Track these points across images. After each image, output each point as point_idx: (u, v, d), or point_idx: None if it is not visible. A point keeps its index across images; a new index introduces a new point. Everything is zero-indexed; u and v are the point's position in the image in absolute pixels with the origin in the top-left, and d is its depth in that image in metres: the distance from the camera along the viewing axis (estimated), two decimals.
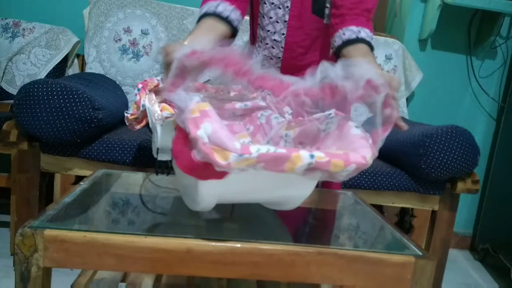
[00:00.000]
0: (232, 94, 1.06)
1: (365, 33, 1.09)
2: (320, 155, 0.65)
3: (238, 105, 1.06)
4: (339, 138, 0.79)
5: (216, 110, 0.69)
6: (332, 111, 0.85)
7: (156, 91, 0.98)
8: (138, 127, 1.01)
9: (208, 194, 0.72)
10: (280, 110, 1.04)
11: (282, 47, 1.26)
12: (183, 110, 0.66)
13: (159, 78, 1.00)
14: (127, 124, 1.01)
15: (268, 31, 1.25)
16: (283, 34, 1.24)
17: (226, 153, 0.60)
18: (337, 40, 1.11)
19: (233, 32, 1.06)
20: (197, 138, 0.62)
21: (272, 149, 0.62)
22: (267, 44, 1.27)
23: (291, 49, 1.26)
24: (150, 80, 1.00)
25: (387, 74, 0.84)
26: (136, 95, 0.98)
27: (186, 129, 0.64)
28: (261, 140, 1.00)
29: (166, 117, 0.87)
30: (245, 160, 0.61)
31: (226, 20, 1.03)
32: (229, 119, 1.08)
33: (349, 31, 1.09)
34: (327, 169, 0.65)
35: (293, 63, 1.28)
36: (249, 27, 1.43)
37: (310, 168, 0.65)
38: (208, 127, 0.62)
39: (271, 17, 1.23)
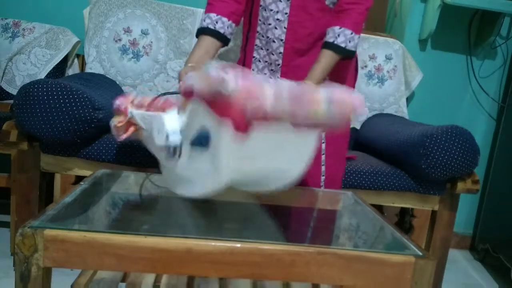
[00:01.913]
0: None
1: (343, 36, 1.22)
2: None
3: None
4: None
5: None
6: None
7: (140, 106, 1.00)
8: (124, 136, 1.02)
9: (228, 164, 0.76)
10: None
11: (285, 27, 1.27)
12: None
13: (134, 94, 1.05)
14: (113, 133, 1.02)
15: (271, 10, 1.27)
16: (286, 13, 1.26)
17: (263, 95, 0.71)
18: (325, 38, 1.25)
19: (226, 44, 1.28)
20: (226, 78, 0.71)
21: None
22: (269, 24, 1.29)
23: (293, 28, 1.27)
24: (125, 97, 1.02)
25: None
26: (116, 107, 1.00)
27: (216, 86, 0.71)
28: None
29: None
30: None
31: (223, 36, 1.25)
32: None
33: (332, 32, 1.23)
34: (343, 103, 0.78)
35: (296, 47, 1.29)
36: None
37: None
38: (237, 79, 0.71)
39: None
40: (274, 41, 1.30)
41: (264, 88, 0.72)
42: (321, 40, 1.27)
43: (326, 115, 0.77)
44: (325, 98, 0.76)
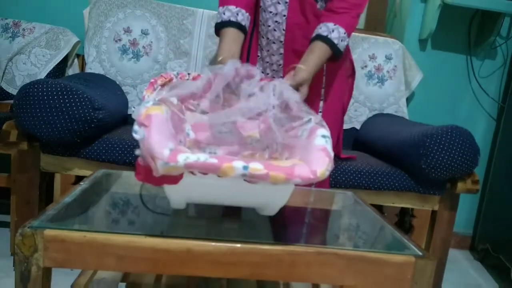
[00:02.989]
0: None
1: (337, 33, 1.18)
2: (256, 167, 0.63)
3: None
4: (305, 148, 0.77)
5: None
6: (311, 117, 0.84)
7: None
8: None
9: (175, 197, 0.76)
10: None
11: (283, 29, 1.28)
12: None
13: (175, 73, 1.00)
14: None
15: (270, 12, 1.27)
16: (284, 15, 1.26)
17: (155, 159, 0.62)
18: (315, 31, 1.21)
19: (245, 37, 1.24)
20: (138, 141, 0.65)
21: (202, 158, 0.62)
22: (269, 26, 1.29)
23: (291, 31, 1.28)
24: (165, 75, 0.98)
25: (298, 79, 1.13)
26: (145, 90, 0.97)
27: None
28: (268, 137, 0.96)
29: None
30: (172, 168, 0.62)
31: (244, 28, 1.21)
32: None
33: (325, 27, 1.19)
34: (265, 180, 0.64)
35: (295, 49, 1.29)
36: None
37: (250, 176, 0.64)
38: (142, 133, 0.65)
39: None
40: (274, 43, 1.31)
41: (159, 153, 0.62)
42: None
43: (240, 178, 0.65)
44: (239, 171, 0.63)
